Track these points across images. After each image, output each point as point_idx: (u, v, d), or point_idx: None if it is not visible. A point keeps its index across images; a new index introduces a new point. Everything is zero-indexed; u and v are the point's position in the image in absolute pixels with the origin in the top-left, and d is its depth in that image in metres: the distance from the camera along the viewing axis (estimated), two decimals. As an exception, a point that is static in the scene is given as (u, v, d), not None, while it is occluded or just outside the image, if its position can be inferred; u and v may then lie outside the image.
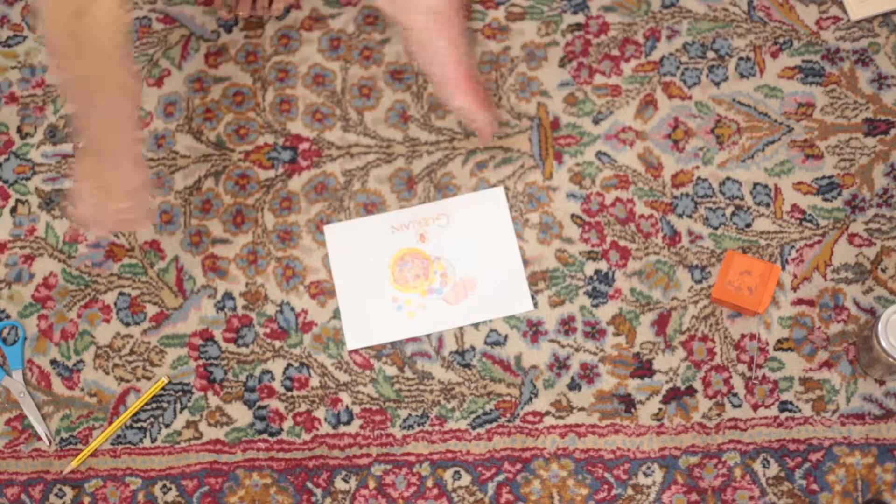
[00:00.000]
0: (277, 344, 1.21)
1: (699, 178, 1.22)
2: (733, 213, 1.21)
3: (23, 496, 1.19)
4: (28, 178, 1.29)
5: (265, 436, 1.19)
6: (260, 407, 1.20)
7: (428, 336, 1.20)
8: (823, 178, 1.21)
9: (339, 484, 1.17)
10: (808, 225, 1.20)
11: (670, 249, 1.20)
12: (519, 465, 1.16)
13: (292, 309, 1.22)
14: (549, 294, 1.20)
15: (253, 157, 1.27)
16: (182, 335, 1.22)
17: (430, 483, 1.16)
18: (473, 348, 1.19)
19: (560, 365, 1.18)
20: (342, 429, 1.18)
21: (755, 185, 1.21)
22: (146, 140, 1.28)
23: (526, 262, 1.21)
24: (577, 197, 1.23)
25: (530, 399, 1.17)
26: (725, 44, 1.26)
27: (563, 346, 1.18)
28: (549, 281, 1.20)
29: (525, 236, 1.22)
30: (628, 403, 1.16)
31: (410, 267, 1.22)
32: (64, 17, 0.96)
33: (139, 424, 1.20)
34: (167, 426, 1.20)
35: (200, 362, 1.21)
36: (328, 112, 1.28)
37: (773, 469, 1.13)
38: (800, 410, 1.15)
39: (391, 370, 1.19)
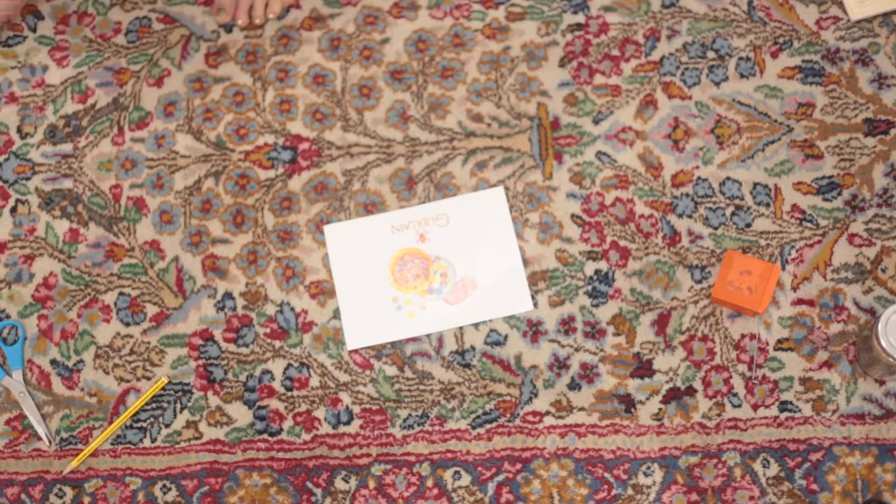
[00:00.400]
0: (277, 344, 1.21)
1: (699, 178, 1.22)
2: (733, 213, 1.21)
3: (23, 496, 1.19)
4: (28, 178, 1.29)
5: (265, 436, 1.19)
6: (260, 407, 1.20)
7: (428, 336, 1.20)
8: (823, 178, 1.21)
9: (339, 484, 1.17)
10: (808, 225, 1.20)
11: (670, 249, 1.20)
12: (519, 465, 1.16)
13: (292, 309, 1.22)
14: (549, 294, 1.20)
15: (253, 157, 1.27)
16: (182, 335, 1.22)
17: (430, 483, 1.16)
18: (473, 348, 1.19)
19: (560, 365, 1.18)
20: (342, 429, 1.18)
21: (755, 185, 1.21)
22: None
23: (526, 262, 1.21)
24: (577, 197, 1.23)
25: (530, 399, 1.17)
26: (725, 44, 1.26)
27: (563, 346, 1.18)
28: (549, 281, 1.20)
29: (525, 236, 1.22)
30: (628, 403, 1.16)
31: (410, 267, 1.22)
32: None
33: (139, 424, 1.20)
34: (167, 426, 1.20)
35: (200, 362, 1.21)
36: (328, 112, 1.28)
37: (773, 469, 1.13)
38: (800, 410, 1.15)
39: (391, 370, 1.19)
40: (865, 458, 1.13)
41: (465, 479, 1.16)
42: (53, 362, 1.23)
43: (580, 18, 1.28)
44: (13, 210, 1.28)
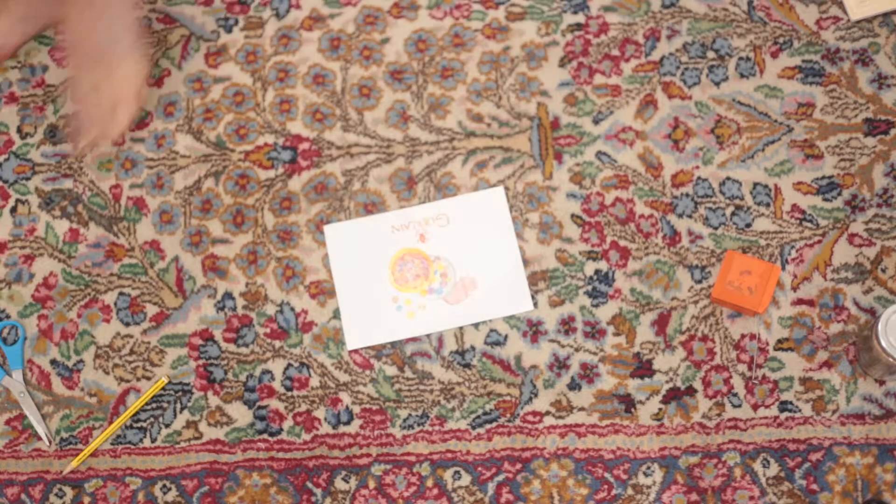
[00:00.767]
0: (277, 344, 1.21)
1: (699, 178, 1.22)
2: (733, 213, 1.21)
3: (23, 496, 1.19)
4: (28, 178, 1.29)
5: (265, 436, 1.19)
6: (260, 407, 1.20)
7: (428, 336, 1.20)
8: (823, 178, 1.21)
9: (339, 484, 1.17)
10: (808, 225, 1.20)
11: (670, 249, 1.20)
12: (519, 465, 1.16)
13: (292, 309, 1.22)
14: (549, 294, 1.20)
15: (253, 157, 1.27)
16: (182, 335, 1.22)
17: (430, 483, 1.16)
18: (473, 348, 1.19)
19: (560, 365, 1.18)
20: (342, 429, 1.18)
21: (755, 185, 1.21)
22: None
23: (526, 262, 1.21)
24: (577, 197, 1.23)
25: (530, 399, 1.17)
26: (725, 44, 1.26)
27: (563, 346, 1.19)
28: (549, 281, 1.20)
29: (525, 236, 1.22)
30: (628, 403, 1.16)
31: (410, 267, 1.22)
32: None
33: (139, 424, 1.20)
34: (167, 426, 1.20)
35: (200, 362, 1.21)
36: (328, 112, 1.28)
37: (773, 469, 1.13)
38: (800, 410, 1.15)
39: (391, 370, 1.19)
40: (865, 458, 1.13)
41: (465, 479, 1.16)
42: (53, 362, 1.23)
43: (580, 18, 1.28)
44: (13, 210, 1.28)
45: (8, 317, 1.24)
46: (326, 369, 1.20)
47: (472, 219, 1.23)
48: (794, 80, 1.24)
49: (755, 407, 1.15)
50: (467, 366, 1.19)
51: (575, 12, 1.29)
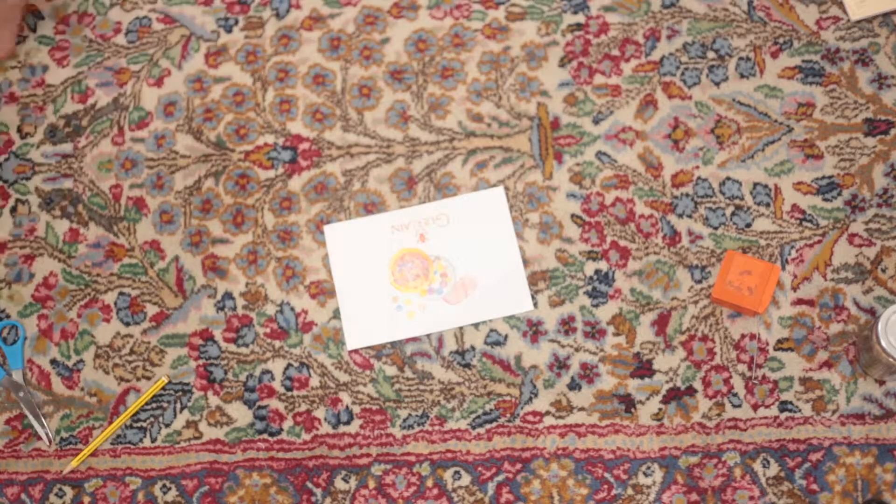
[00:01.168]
0: (277, 344, 1.21)
1: (699, 178, 1.22)
2: (733, 213, 1.21)
3: (23, 496, 1.19)
4: (28, 178, 1.29)
5: (265, 436, 1.19)
6: (260, 407, 1.20)
7: (428, 336, 1.20)
8: (823, 178, 1.21)
9: (339, 484, 1.17)
10: (808, 225, 1.20)
11: (670, 249, 1.20)
12: (519, 465, 1.16)
13: (292, 309, 1.22)
14: (549, 294, 1.20)
15: (253, 157, 1.27)
16: (182, 335, 1.22)
17: (430, 483, 1.16)
18: (473, 348, 1.19)
19: (560, 365, 1.18)
20: (342, 429, 1.18)
21: (755, 185, 1.21)
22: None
23: (526, 262, 1.21)
24: (577, 197, 1.23)
25: (530, 399, 1.17)
26: (725, 44, 1.26)
27: (563, 346, 1.19)
28: (549, 281, 1.20)
29: (525, 236, 1.22)
30: (628, 403, 1.16)
31: (410, 267, 1.22)
32: None
33: (139, 424, 1.20)
34: (167, 426, 1.20)
35: (200, 362, 1.21)
36: (328, 112, 1.28)
37: (773, 469, 1.13)
38: (800, 410, 1.15)
39: (391, 370, 1.19)
40: (865, 458, 1.13)
41: (465, 479, 1.16)
42: (53, 362, 1.23)
43: (580, 18, 1.28)
44: (13, 210, 1.28)
45: (8, 316, 1.24)
46: (326, 369, 1.20)
47: (472, 219, 1.23)
48: (794, 80, 1.24)
49: (755, 407, 1.15)
50: (467, 366, 1.19)
51: (575, 12, 1.29)
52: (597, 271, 1.20)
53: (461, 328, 1.20)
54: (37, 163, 1.29)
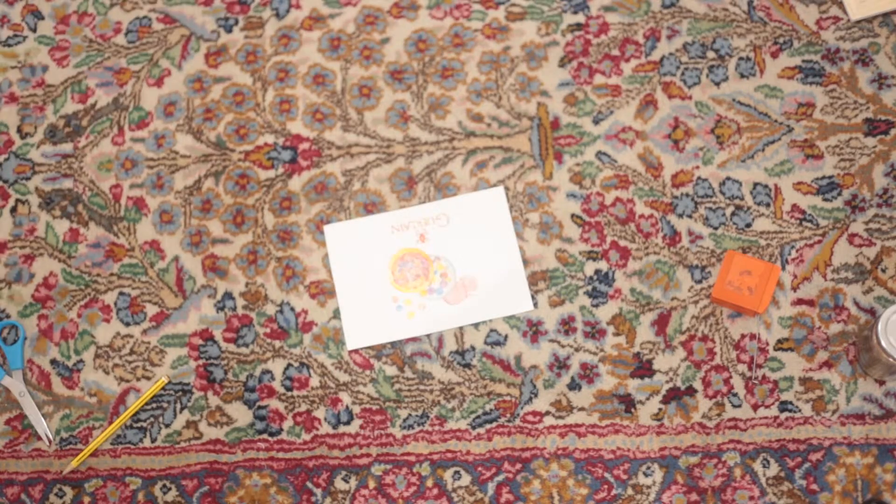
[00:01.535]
0: (277, 344, 1.21)
1: (699, 178, 1.22)
2: (733, 213, 1.21)
3: (23, 496, 1.19)
4: (28, 178, 1.29)
5: (265, 436, 1.19)
6: (260, 407, 1.20)
7: (428, 336, 1.20)
8: (823, 178, 1.21)
9: (339, 484, 1.17)
10: (808, 225, 1.20)
11: (670, 249, 1.20)
12: (519, 465, 1.16)
13: (292, 309, 1.22)
14: (549, 294, 1.20)
15: (253, 157, 1.27)
16: (182, 335, 1.22)
17: (430, 483, 1.16)
18: (473, 348, 1.19)
19: (560, 365, 1.18)
20: (342, 429, 1.18)
21: (755, 185, 1.21)
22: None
23: (526, 262, 1.21)
24: (577, 197, 1.23)
25: (530, 399, 1.17)
26: (725, 44, 1.26)
27: (563, 346, 1.19)
28: (549, 281, 1.20)
29: (525, 236, 1.22)
30: (628, 403, 1.16)
31: (410, 267, 1.22)
32: None
33: (139, 424, 1.20)
34: (167, 426, 1.20)
35: (200, 362, 1.21)
36: (328, 112, 1.28)
37: (773, 469, 1.13)
38: (800, 410, 1.15)
39: (391, 370, 1.19)
40: (865, 458, 1.13)
41: (465, 479, 1.16)
42: (53, 362, 1.23)
43: (580, 18, 1.28)
44: (13, 210, 1.28)
45: (8, 317, 1.24)
46: (326, 369, 1.20)
47: (472, 219, 1.23)
48: (794, 80, 1.24)
49: (755, 407, 1.15)
50: (467, 366, 1.19)
51: (575, 12, 1.29)
52: (597, 271, 1.20)
53: (461, 328, 1.20)
54: (37, 163, 1.29)
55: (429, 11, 1.30)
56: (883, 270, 1.18)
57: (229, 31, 1.32)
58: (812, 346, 1.16)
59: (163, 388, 1.21)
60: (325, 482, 1.17)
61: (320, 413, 1.19)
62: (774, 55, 1.25)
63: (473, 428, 1.17)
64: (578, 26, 1.28)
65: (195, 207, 1.26)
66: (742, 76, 1.25)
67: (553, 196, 1.23)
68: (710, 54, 1.26)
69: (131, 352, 1.22)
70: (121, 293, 1.24)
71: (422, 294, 1.21)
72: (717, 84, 1.25)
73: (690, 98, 1.25)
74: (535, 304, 1.20)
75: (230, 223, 1.25)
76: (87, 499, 1.19)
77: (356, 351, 1.20)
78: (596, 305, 1.19)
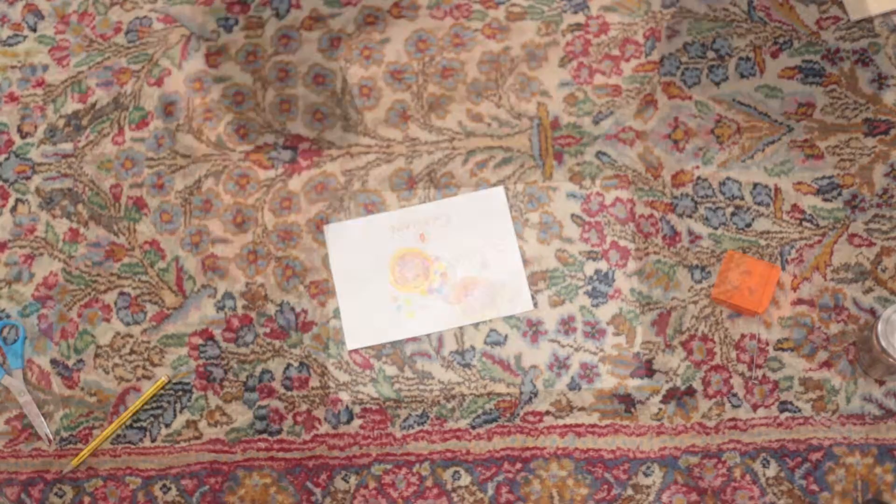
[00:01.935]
0: (277, 344, 1.21)
1: (699, 178, 1.22)
2: (733, 213, 1.21)
3: (23, 496, 1.19)
4: (28, 178, 1.29)
5: (265, 435, 1.19)
6: (260, 407, 1.20)
7: (428, 336, 1.20)
8: (823, 178, 1.21)
9: (339, 484, 1.17)
10: (808, 225, 1.20)
11: (670, 249, 1.20)
12: (519, 465, 1.16)
13: (292, 309, 1.22)
14: (549, 294, 1.20)
15: (253, 157, 1.27)
16: (182, 335, 1.22)
17: (429, 483, 1.16)
18: (473, 348, 1.19)
19: (560, 365, 1.18)
20: (342, 429, 1.18)
21: (755, 185, 1.21)
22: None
23: (526, 262, 1.21)
24: (577, 197, 1.23)
25: (530, 399, 1.17)
26: (725, 44, 1.26)
27: (563, 346, 1.19)
28: (549, 281, 1.20)
29: (525, 236, 1.22)
30: (628, 403, 1.16)
31: (410, 267, 1.22)
32: None
33: (139, 424, 1.20)
34: (167, 426, 1.20)
35: (200, 362, 1.21)
36: (328, 112, 1.28)
37: (773, 469, 1.13)
38: (800, 410, 1.15)
39: (391, 370, 1.19)
40: (865, 458, 1.13)
41: (465, 479, 1.16)
42: (53, 362, 1.23)
43: (580, 18, 1.28)
44: (13, 210, 1.28)
45: (8, 316, 1.24)
46: (326, 369, 1.20)
47: (472, 219, 1.23)
48: (794, 80, 1.24)
49: (755, 407, 1.15)
50: (467, 366, 1.19)
51: (575, 12, 1.29)
52: (597, 271, 1.20)
53: (461, 328, 1.20)
54: (37, 162, 1.29)
55: (429, 11, 1.30)
56: (883, 270, 1.18)
57: (229, 31, 1.32)
58: (812, 346, 1.16)
59: (163, 388, 1.21)
60: (325, 482, 1.17)
61: (320, 413, 1.19)
62: (774, 55, 1.25)
63: (473, 428, 1.17)
64: (578, 26, 1.28)
65: (195, 207, 1.26)
66: (742, 76, 1.25)
67: (553, 196, 1.23)
68: (710, 54, 1.26)
69: (131, 351, 1.22)
70: (121, 293, 1.24)
71: (422, 294, 1.21)
72: (717, 84, 1.25)
73: (690, 98, 1.25)
74: (535, 304, 1.20)
75: (230, 223, 1.25)
76: (87, 499, 1.19)
77: (356, 351, 1.20)
78: (596, 305, 1.19)
